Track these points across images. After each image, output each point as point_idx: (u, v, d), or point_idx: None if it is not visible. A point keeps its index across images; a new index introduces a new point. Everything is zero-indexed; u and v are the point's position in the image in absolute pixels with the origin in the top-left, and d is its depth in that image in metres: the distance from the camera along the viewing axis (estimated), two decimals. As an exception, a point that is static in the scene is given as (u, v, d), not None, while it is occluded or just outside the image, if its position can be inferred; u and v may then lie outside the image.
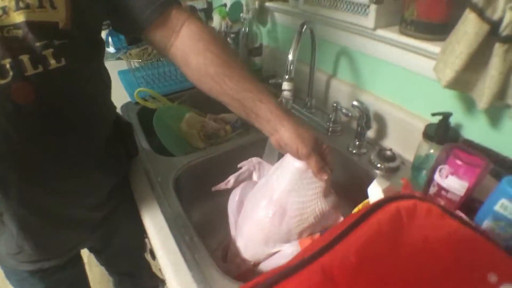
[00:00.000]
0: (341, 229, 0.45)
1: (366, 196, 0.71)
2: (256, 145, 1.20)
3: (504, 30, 0.70)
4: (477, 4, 0.73)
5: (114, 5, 0.83)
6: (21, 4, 0.69)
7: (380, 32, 1.07)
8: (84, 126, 0.85)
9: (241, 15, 1.61)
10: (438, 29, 0.94)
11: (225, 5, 2.01)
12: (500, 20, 0.71)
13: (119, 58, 2.00)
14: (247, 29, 1.51)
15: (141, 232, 1.11)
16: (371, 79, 1.19)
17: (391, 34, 1.04)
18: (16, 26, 0.69)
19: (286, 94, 1.01)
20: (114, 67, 1.78)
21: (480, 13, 0.73)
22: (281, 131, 0.77)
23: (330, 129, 1.21)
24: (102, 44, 0.90)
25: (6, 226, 0.87)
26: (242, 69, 0.82)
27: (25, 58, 0.70)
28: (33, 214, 0.86)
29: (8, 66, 0.68)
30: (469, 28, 0.75)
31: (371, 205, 0.42)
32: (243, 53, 1.56)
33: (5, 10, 0.68)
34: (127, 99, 1.51)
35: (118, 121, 1.04)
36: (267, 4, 1.56)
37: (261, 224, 0.81)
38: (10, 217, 0.84)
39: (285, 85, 1.01)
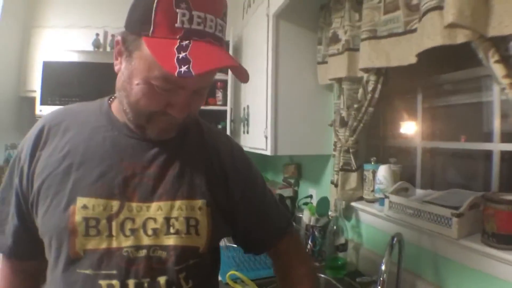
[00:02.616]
0: None
1: None
2: None
3: None
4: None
5: (241, 235, 1.00)
6: (171, 230, 0.81)
7: (464, 242, 1.16)
8: None
9: (329, 212, 1.79)
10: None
11: (311, 196, 2.24)
12: None
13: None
14: (335, 226, 1.66)
15: None
16: (457, 283, 1.23)
17: (475, 245, 1.12)
18: (162, 248, 0.80)
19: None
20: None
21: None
22: None
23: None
24: (219, 254, 1.01)
25: None
26: None
27: (162, 280, 0.78)
28: None
29: (146, 284, 0.76)
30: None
31: None
32: (330, 247, 1.68)
33: (155, 232, 0.80)
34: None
35: None
36: (354, 204, 1.74)
37: None
38: None
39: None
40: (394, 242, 1.18)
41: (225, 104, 2.95)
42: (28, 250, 0.90)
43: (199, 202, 0.85)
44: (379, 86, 1.51)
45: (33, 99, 2.89)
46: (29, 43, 3.10)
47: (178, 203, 0.83)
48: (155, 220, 0.80)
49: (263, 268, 1.76)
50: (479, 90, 1.43)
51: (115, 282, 0.75)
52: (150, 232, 0.79)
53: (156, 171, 0.84)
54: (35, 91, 2.87)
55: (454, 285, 1.25)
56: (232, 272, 1.62)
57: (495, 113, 1.31)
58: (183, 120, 0.82)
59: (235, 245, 1.86)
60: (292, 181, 2.55)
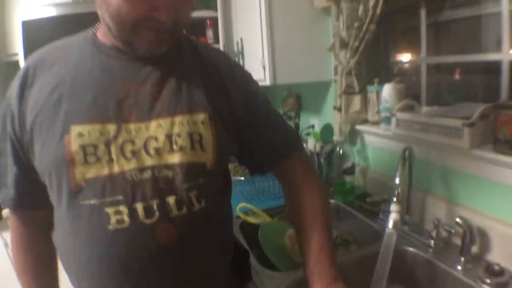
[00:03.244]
0: None
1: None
2: (359, 263, 1.26)
3: None
4: None
5: (247, 152, 0.94)
6: (174, 147, 0.77)
7: (476, 151, 1.15)
8: (212, 259, 0.86)
9: (333, 137, 1.78)
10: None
11: (312, 126, 2.22)
12: None
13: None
14: (341, 151, 1.65)
15: None
16: (469, 195, 1.24)
17: (487, 154, 1.11)
18: (167, 167, 0.76)
19: (394, 216, 1.09)
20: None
21: None
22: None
23: (433, 245, 1.24)
24: (230, 177, 0.98)
25: None
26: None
27: (171, 200, 0.75)
28: None
29: (155, 206, 0.73)
30: None
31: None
32: (337, 173, 1.68)
33: (158, 151, 0.76)
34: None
35: (235, 247, 1.02)
36: (358, 127, 1.72)
37: None
38: None
39: (394, 207, 1.09)
40: (406, 154, 1.16)
41: (217, 41, 2.85)
42: (32, 199, 0.88)
43: (201, 116, 0.81)
44: (381, 1, 1.43)
45: (16, 63, 2.75)
46: (4, 4, 2.91)
47: (178, 118, 0.79)
48: (156, 139, 0.76)
49: (272, 198, 1.76)
50: (484, 2, 1.37)
51: (122, 208, 0.73)
52: (152, 151, 0.76)
53: (152, 89, 0.79)
54: (17, 54, 2.73)
55: (465, 197, 1.25)
56: (242, 204, 1.63)
57: (503, 22, 1.26)
58: (173, 29, 0.76)
59: (242, 178, 1.88)
60: (293, 114, 2.52)
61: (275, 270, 1.25)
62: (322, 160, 1.80)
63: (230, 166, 1.02)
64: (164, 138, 0.77)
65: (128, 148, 0.75)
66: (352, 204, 1.63)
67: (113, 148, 0.74)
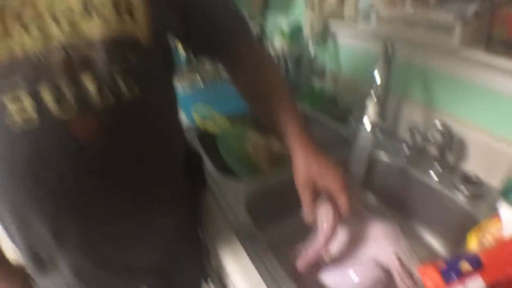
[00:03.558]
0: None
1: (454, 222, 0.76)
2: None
3: None
4: None
5: (191, 30, 0.78)
6: (94, 14, 0.57)
7: (465, 51, 1.02)
8: (151, 161, 0.72)
9: (304, 38, 1.59)
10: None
11: (281, 28, 2.00)
12: None
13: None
14: (311, 53, 1.49)
15: (202, 271, 1.07)
16: (450, 100, 1.13)
17: (478, 54, 0.98)
18: (85, 44, 0.58)
19: (372, 116, 0.97)
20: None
21: None
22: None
23: (407, 153, 1.15)
24: (175, 64, 0.80)
25: (60, 272, 0.75)
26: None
27: (91, 86, 0.58)
28: (89, 263, 0.74)
29: (71, 96, 0.57)
30: None
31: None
32: (306, 77, 1.53)
33: (72, 22, 0.57)
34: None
35: (187, 152, 0.91)
36: (332, 26, 1.53)
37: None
38: (65, 264, 0.73)
39: (371, 107, 0.97)
40: (388, 50, 1.02)
41: None
42: None
43: None
44: None
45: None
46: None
47: None
48: (66, 3, 0.56)
49: (233, 101, 1.60)
50: None
51: (22, 95, 0.55)
52: (63, 20, 0.56)
53: None
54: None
55: (446, 103, 1.14)
56: (198, 107, 1.48)
57: None
58: None
59: (201, 85, 1.70)
60: (257, 14, 2.25)
61: (236, 179, 1.13)
62: (290, 64, 1.63)
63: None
64: (77, 2, 0.57)
65: (29, 15, 0.55)
66: (321, 110, 1.50)
67: (8, 18, 0.54)
